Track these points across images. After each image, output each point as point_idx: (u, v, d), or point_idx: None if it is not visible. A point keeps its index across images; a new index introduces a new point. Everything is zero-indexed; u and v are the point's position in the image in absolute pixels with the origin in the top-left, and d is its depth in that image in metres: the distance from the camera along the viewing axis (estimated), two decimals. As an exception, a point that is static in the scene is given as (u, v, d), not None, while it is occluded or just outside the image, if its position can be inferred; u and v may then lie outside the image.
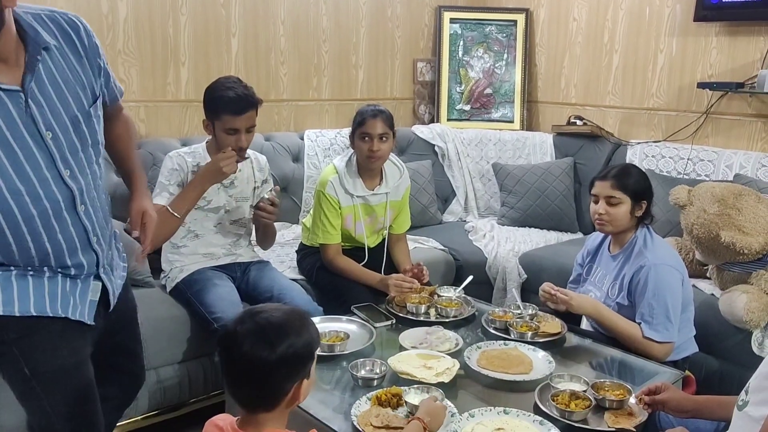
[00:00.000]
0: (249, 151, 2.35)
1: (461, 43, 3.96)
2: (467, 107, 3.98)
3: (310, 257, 2.60)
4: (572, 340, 2.13)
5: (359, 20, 3.64)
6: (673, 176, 3.13)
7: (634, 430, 1.56)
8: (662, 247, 2.15)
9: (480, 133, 3.79)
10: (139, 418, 2.25)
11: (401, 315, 2.23)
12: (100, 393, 1.58)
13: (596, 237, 2.36)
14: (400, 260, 2.61)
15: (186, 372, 2.31)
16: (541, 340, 2.05)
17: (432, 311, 2.26)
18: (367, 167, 2.48)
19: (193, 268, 2.32)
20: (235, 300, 2.26)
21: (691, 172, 3.12)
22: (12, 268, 1.41)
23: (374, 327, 2.10)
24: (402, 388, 1.67)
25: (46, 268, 1.43)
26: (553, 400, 1.63)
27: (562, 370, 1.86)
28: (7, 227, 1.35)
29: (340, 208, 2.47)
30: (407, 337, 2.04)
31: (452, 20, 3.94)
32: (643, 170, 2.28)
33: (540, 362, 1.90)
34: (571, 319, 2.21)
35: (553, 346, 2.04)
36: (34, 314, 1.41)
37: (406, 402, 1.61)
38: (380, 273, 2.47)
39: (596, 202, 2.16)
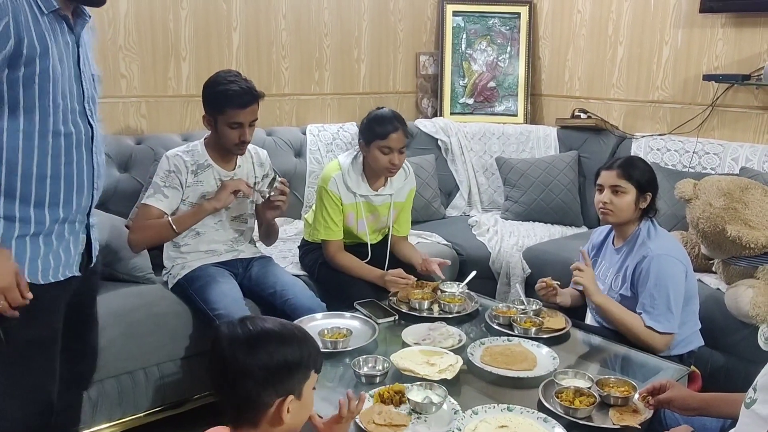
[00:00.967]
0: (249, 146, 2.33)
1: (464, 36, 3.93)
2: (470, 101, 3.95)
3: (312, 253, 2.59)
4: (576, 335, 2.12)
5: (361, 14, 3.62)
6: (679, 169, 3.10)
7: (639, 427, 1.55)
8: (666, 239, 2.14)
9: (483, 127, 3.76)
10: (141, 414, 2.25)
11: (404, 311, 2.21)
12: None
13: (601, 231, 2.34)
14: (410, 256, 2.57)
15: (188, 368, 2.31)
16: (545, 336, 2.03)
17: (435, 307, 2.25)
18: (381, 175, 2.47)
19: (195, 265, 2.31)
20: (238, 296, 2.25)
21: (696, 166, 3.09)
22: (15, 222, 1.46)
23: (377, 323, 2.08)
24: (405, 385, 1.66)
25: (48, 211, 1.49)
26: (558, 397, 1.62)
27: (566, 366, 1.84)
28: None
29: (341, 205, 2.45)
30: (410, 333, 2.02)
31: (455, 13, 3.91)
32: (649, 163, 2.26)
33: (544, 358, 1.89)
34: (575, 314, 2.19)
35: (558, 341, 2.03)
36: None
37: (408, 399, 1.60)
38: (383, 270, 2.45)
39: (601, 192, 2.15)
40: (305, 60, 3.45)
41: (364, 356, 1.82)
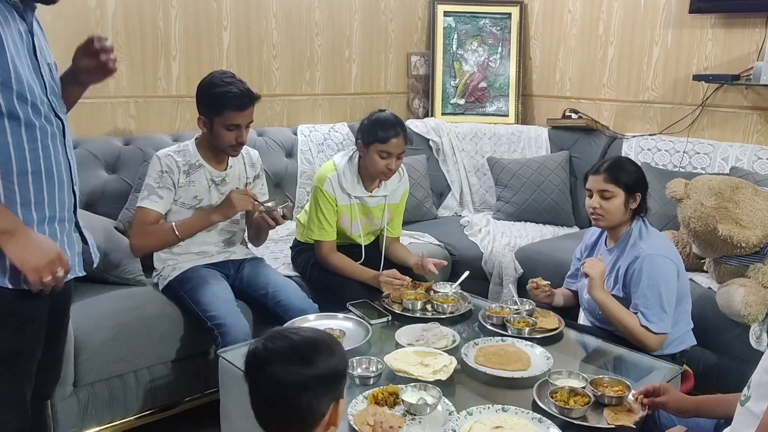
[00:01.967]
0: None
1: (455, 36, 3.93)
2: (462, 101, 3.95)
3: (304, 254, 2.57)
4: (570, 335, 2.12)
5: (352, 13, 3.61)
6: (669, 169, 3.11)
7: (634, 426, 1.55)
8: (657, 238, 2.14)
9: (475, 127, 3.76)
10: (131, 418, 2.22)
11: (397, 312, 2.21)
12: None
13: (594, 232, 2.34)
14: (403, 257, 2.57)
15: (179, 371, 2.28)
16: (538, 336, 2.03)
17: (428, 307, 2.24)
18: (377, 178, 2.46)
19: (186, 266, 2.29)
20: (229, 298, 2.23)
21: (687, 165, 3.10)
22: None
23: (370, 324, 2.07)
24: (399, 386, 1.65)
25: (34, 210, 1.45)
26: (552, 397, 1.62)
27: (560, 366, 1.84)
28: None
29: (336, 206, 2.44)
30: (403, 334, 2.01)
31: (446, 13, 3.91)
32: (639, 164, 2.27)
33: (538, 358, 1.88)
34: (568, 314, 2.19)
35: (551, 341, 2.03)
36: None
37: (403, 401, 1.59)
38: (377, 271, 2.44)
39: (590, 196, 2.15)
40: (296, 60, 3.43)
41: (358, 357, 1.81)
